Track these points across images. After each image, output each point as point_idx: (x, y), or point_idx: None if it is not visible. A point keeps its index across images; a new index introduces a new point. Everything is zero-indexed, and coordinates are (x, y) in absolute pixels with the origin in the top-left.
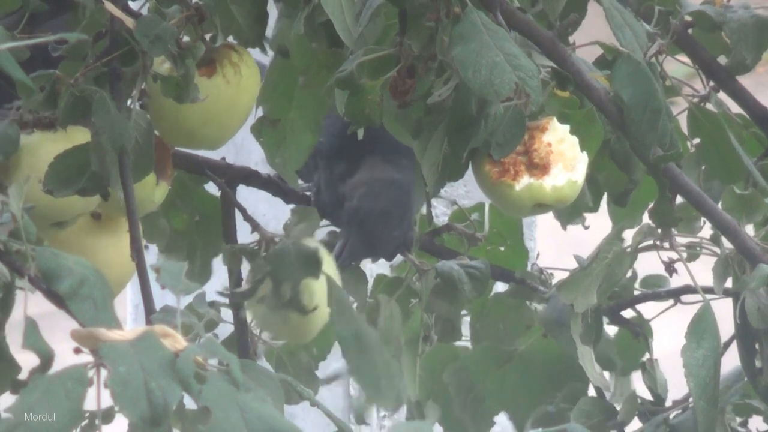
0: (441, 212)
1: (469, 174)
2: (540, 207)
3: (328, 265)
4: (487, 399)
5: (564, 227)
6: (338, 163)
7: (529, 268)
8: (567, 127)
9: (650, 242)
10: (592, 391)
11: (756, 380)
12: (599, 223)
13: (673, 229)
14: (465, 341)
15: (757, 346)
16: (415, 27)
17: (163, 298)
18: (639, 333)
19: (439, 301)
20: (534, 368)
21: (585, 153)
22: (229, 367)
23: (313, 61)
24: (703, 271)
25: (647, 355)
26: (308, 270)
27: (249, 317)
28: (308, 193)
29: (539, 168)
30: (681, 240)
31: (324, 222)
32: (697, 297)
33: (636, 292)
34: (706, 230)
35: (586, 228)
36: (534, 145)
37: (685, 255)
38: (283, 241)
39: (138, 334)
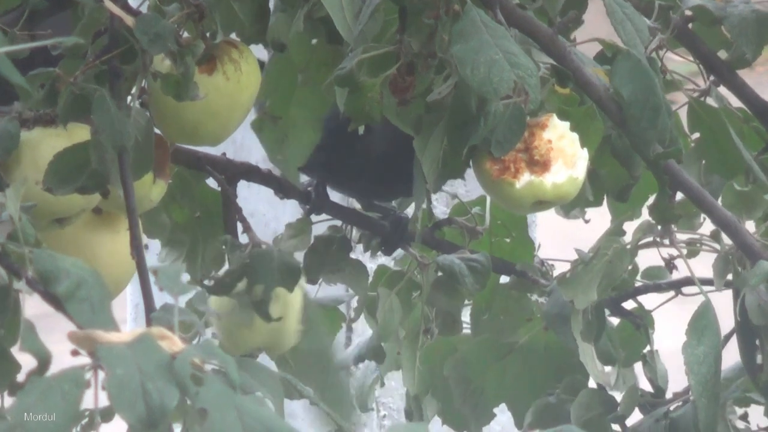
0: (442, 203)
1: (470, 172)
2: (540, 204)
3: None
4: (488, 391)
5: (566, 216)
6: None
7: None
8: (567, 124)
9: (650, 239)
10: (592, 383)
11: (756, 377)
12: (599, 217)
13: (673, 226)
14: (465, 328)
15: (757, 343)
16: (415, 24)
17: (163, 296)
18: (640, 325)
19: (440, 294)
20: (535, 360)
21: (585, 150)
22: (227, 368)
23: (313, 58)
24: (703, 268)
25: (648, 347)
26: (285, 280)
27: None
28: (309, 189)
29: (540, 165)
30: (681, 236)
31: (324, 216)
32: (697, 290)
33: (637, 284)
34: (706, 227)
35: (587, 222)
36: (534, 142)
37: (685, 251)
38: (270, 247)
39: (135, 336)
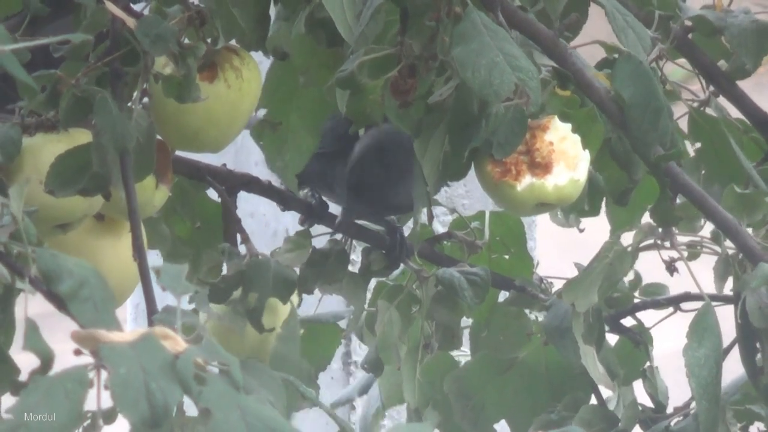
0: (441, 212)
1: (471, 175)
2: (542, 206)
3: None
4: (488, 407)
5: (567, 225)
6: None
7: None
8: (569, 126)
9: (651, 241)
10: (593, 400)
11: (757, 379)
12: (598, 225)
13: (673, 228)
14: (465, 352)
15: (758, 345)
16: (416, 26)
17: (164, 298)
18: (639, 341)
19: (439, 308)
20: (535, 376)
21: (587, 151)
22: (229, 368)
23: (314, 60)
24: (704, 271)
25: (648, 363)
26: (280, 291)
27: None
28: (309, 200)
29: (541, 167)
30: (682, 239)
31: (324, 230)
32: (697, 304)
33: (635, 300)
34: (707, 229)
35: (581, 231)
36: (536, 145)
37: (686, 254)
38: (267, 257)
39: (138, 336)
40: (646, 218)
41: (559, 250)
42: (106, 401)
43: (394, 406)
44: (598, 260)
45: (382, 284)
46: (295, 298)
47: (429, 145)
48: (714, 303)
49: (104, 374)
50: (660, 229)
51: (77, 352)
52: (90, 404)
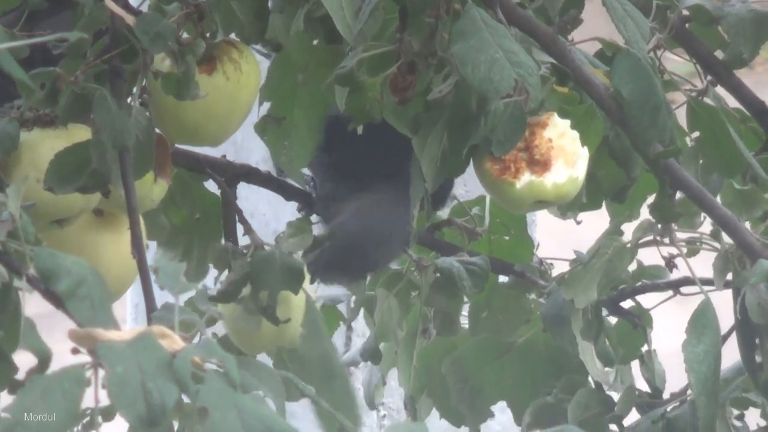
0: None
1: (469, 173)
2: (540, 203)
3: (308, 282)
4: (486, 389)
5: (564, 218)
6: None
7: None
8: (568, 122)
9: (650, 238)
10: (590, 383)
11: (756, 375)
12: (598, 217)
13: (673, 225)
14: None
15: (757, 341)
16: (415, 23)
17: (163, 296)
18: (638, 324)
19: (438, 295)
20: (533, 359)
21: (585, 148)
22: (227, 367)
23: (312, 57)
24: (703, 267)
25: (646, 347)
26: (289, 283)
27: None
28: (308, 190)
29: (540, 164)
30: (681, 235)
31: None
32: (697, 288)
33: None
34: (707, 226)
35: (579, 223)
36: (535, 142)
37: (685, 250)
38: (272, 249)
39: (135, 335)
40: (646, 214)
41: (560, 250)
42: (104, 400)
43: (390, 368)
44: (597, 256)
45: (381, 271)
46: (308, 286)
47: (428, 142)
48: (712, 288)
49: (102, 373)
50: (659, 226)
51: (75, 351)
52: (88, 403)
